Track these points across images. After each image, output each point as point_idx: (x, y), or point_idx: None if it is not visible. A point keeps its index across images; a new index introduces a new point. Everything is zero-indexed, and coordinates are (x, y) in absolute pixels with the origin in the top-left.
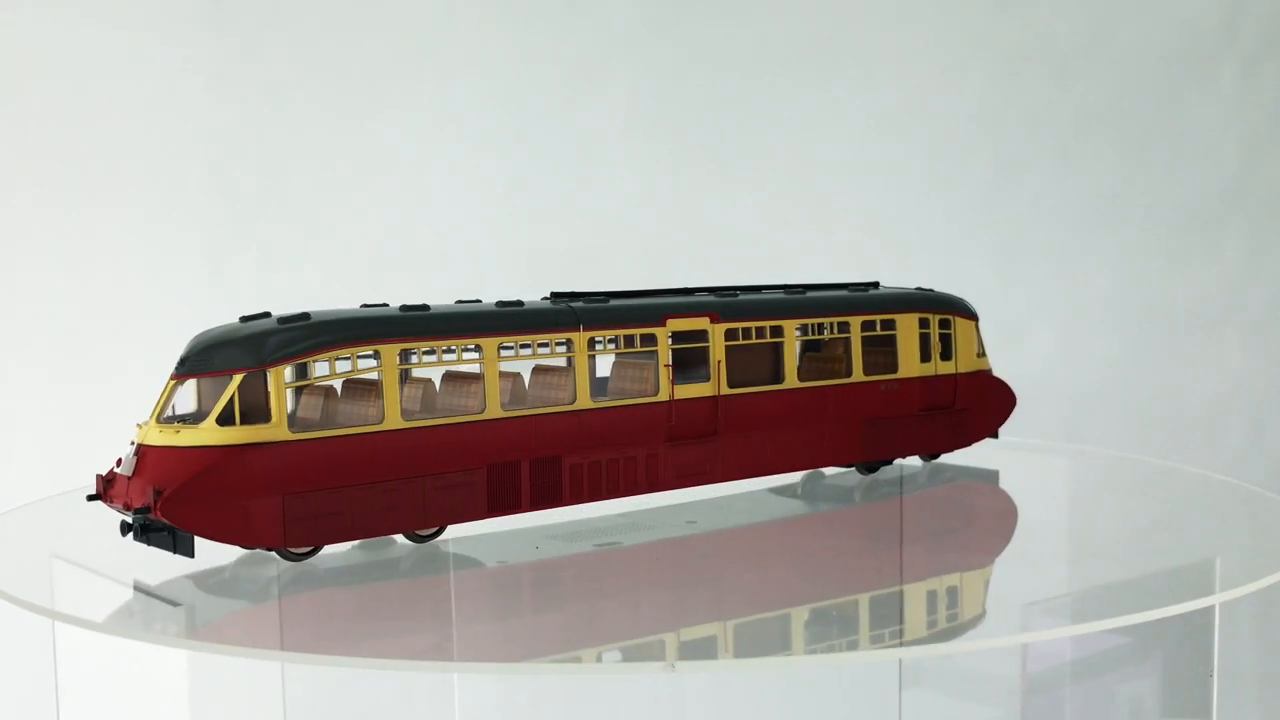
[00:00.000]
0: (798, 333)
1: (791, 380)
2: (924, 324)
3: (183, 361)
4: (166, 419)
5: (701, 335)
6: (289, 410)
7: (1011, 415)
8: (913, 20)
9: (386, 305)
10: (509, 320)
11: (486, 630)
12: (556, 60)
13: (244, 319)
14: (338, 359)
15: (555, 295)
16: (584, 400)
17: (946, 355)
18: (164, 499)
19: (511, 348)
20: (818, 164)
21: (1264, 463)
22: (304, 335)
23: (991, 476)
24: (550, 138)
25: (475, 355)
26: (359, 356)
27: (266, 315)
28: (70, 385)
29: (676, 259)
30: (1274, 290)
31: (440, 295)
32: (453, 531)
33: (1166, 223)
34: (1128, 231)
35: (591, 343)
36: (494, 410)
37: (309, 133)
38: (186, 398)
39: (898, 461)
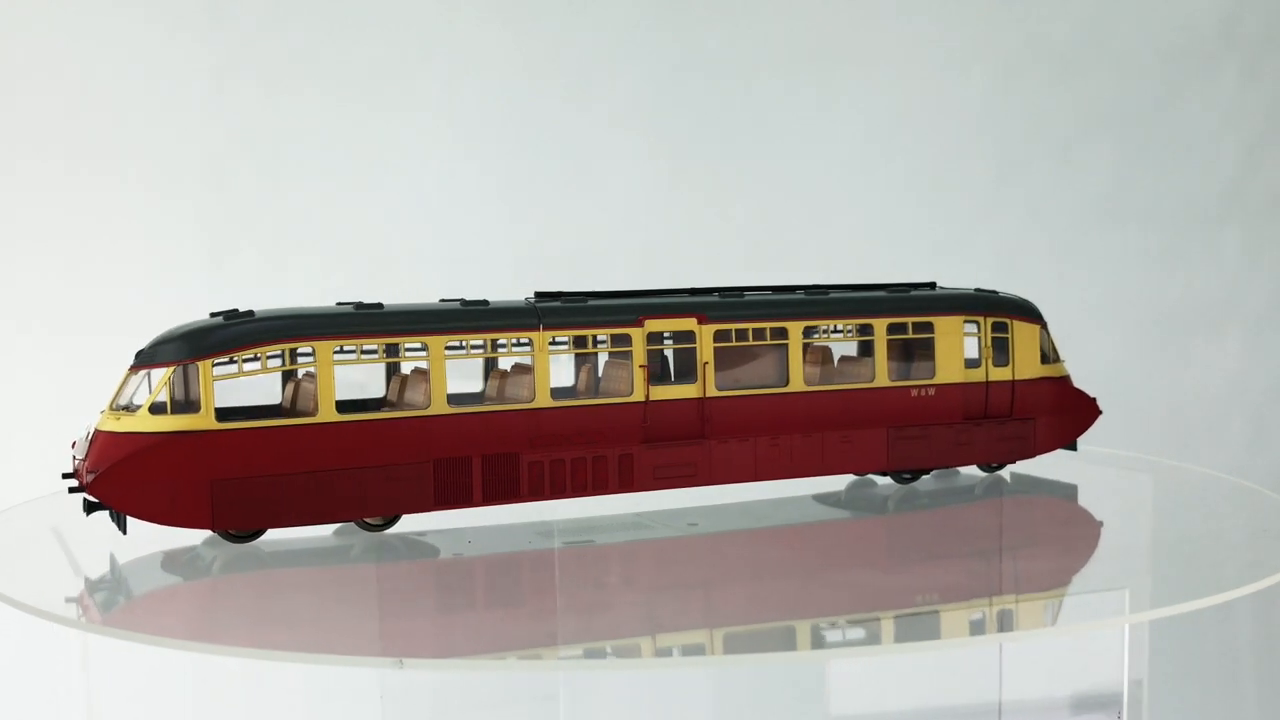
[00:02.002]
0: (805, 335)
1: (797, 384)
2: (971, 327)
3: (138, 354)
4: (117, 407)
5: (687, 336)
6: (280, 400)
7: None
8: (913, 20)
9: (360, 303)
10: (460, 319)
11: (387, 625)
12: (557, 60)
13: (213, 315)
14: (270, 355)
15: (540, 295)
16: (544, 399)
17: (1001, 361)
18: (95, 479)
19: (461, 346)
20: (816, 164)
21: (1264, 463)
22: (240, 332)
23: (1064, 490)
24: (553, 138)
25: (422, 353)
26: (291, 353)
27: (235, 312)
28: (70, 382)
29: (682, 260)
30: (1274, 290)
31: (436, 294)
32: (424, 522)
33: (1166, 223)
34: (1128, 231)
35: (554, 343)
36: (439, 407)
37: (309, 131)
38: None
39: (965, 471)
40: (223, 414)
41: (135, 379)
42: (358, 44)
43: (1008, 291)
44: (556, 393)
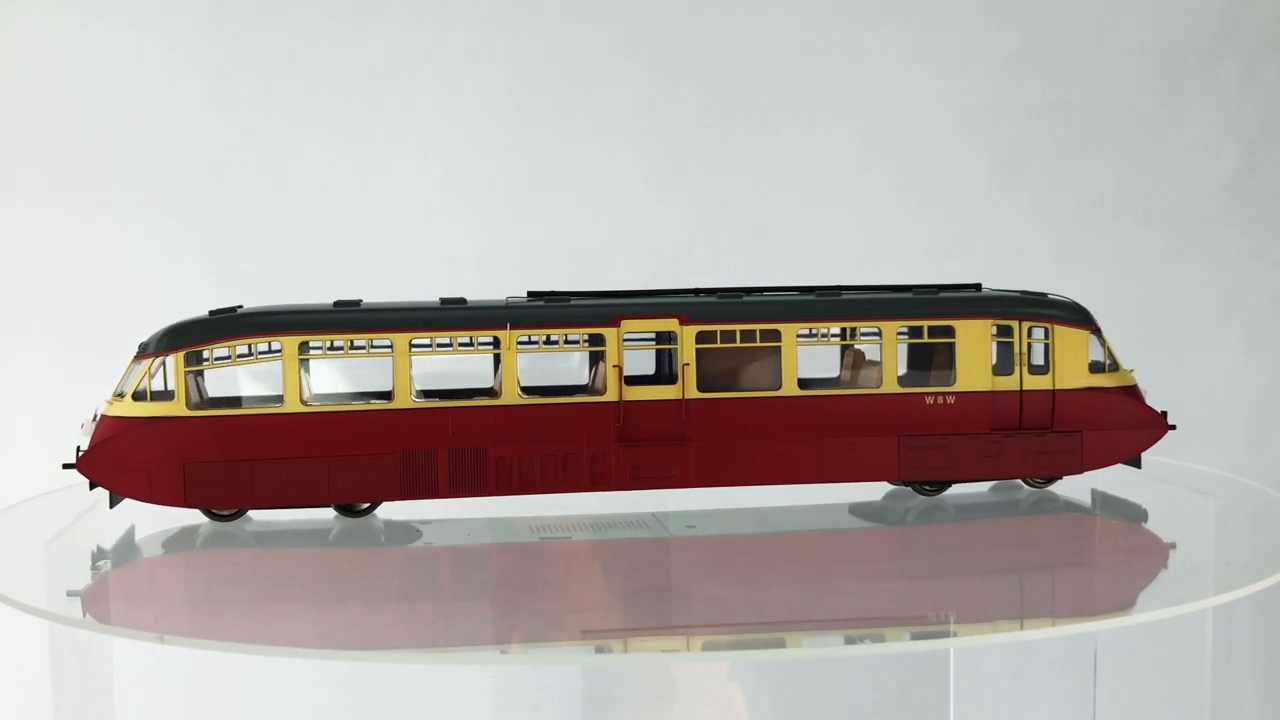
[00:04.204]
0: (800, 337)
1: (790, 387)
2: (1002, 332)
3: (140, 346)
4: (116, 393)
5: (668, 337)
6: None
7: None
8: (912, 20)
9: (338, 301)
10: (428, 318)
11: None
12: (556, 60)
13: (212, 312)
14: (239, 348)
15: (532, 294)
16: (511, 396)
17: (1040, 368)
18: (82, 457)
19: (428, 344)
20: (815, 163)
21: (1264, 463)
22: (217, 326)
23: (1127, 510)
24: (553, 137)
25: (387, 349)
26: (260, 347)
27: (225, 309)
28: (69, 381)
29: (686, 261)
30: (1274, 290)
31: (435, 293)
32: (410, 511)
33: (1166, 223)
34: (1128, 231)
35: (522, 342)
36: (404, 401)
37: (309, 131)
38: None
39: (1017, 483)
40: (223, 402)
41: (135, 368)
42: (358, 44)
43: (1059, 294)
44: (528, 390)
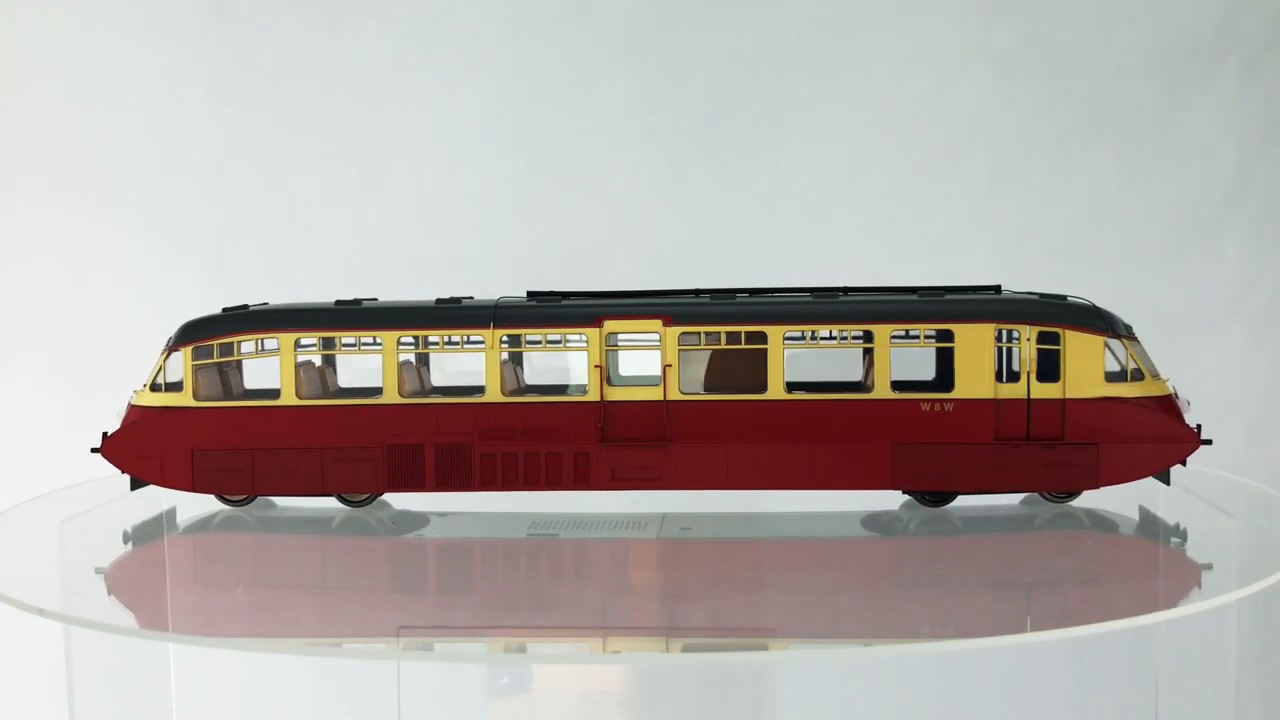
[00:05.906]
0: (789, 339)
1: (777, 391)
2: (1007, 337)
3: (167, 340)
4: (143, 384)
5: (651, 338)
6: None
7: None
8: (912, 20)
9: (339, 300)
10: (416, 316)
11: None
12: (558, 59)
13: (225, 309)
14: (243, 344)
15: (531, 294)
16: (494, 394)
17: (1049, 376)
18: (103, 443)
19: (414, 342)
20: (815, 163)
21: (1264, 463)
22: (223, 323)
23: (1131, 526)
24: (554, 137)
25: (376, 347)
26: (258, 343)
27: (236, 307)
28: (70, 381)
29: (681, 259)
30: (1274, 290)
31: (436, 292)
32: (407, 502)
33: (1166, 223)
34: (1128, 231)
35: (506, 340)
36: (391, 397)
37: (310, 131)
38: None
39: (1031, 497)
40: (227, 394)
41: (157, 360)
42: (358, 44)
43: (1079, 297)
44: (514, 389)
